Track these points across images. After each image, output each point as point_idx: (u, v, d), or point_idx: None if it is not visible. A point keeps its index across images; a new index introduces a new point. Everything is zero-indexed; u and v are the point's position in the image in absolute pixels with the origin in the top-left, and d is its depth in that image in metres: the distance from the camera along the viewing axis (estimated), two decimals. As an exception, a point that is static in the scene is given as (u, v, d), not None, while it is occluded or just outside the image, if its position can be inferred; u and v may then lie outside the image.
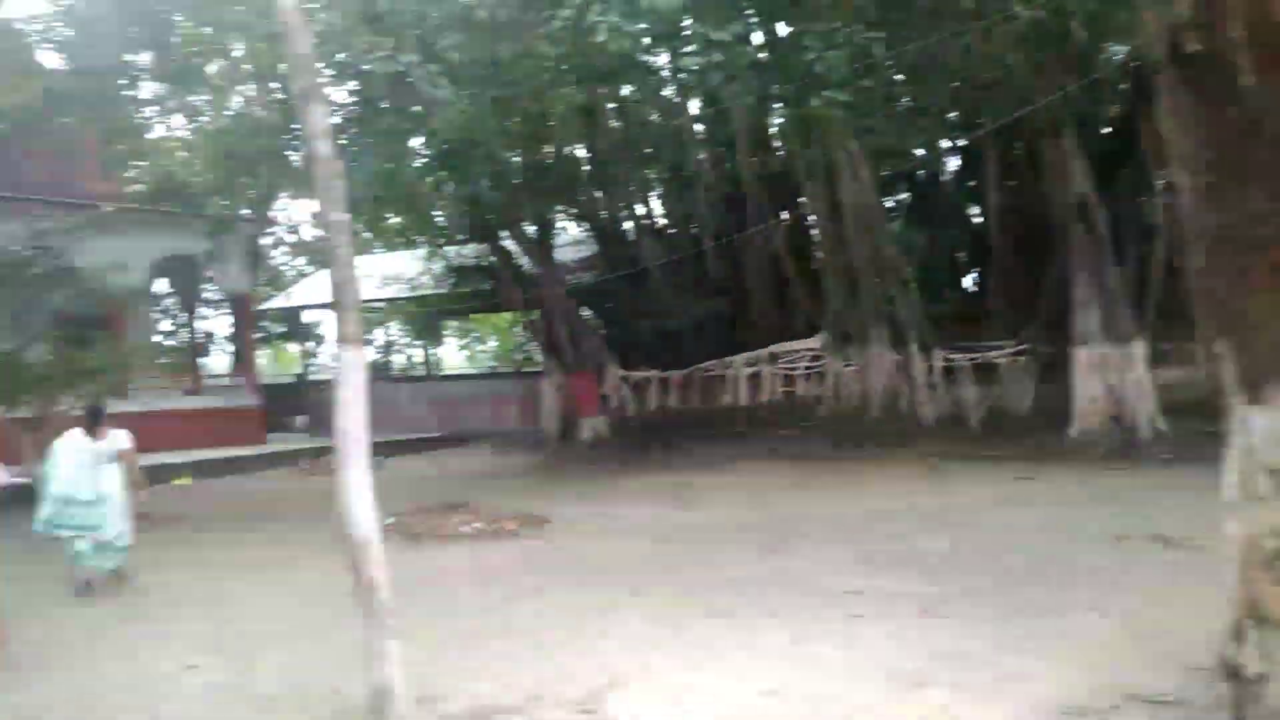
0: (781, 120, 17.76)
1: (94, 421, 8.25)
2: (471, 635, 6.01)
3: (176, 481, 16.15)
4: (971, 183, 19.07)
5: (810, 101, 11.08)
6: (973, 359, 15.97)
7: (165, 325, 29.17)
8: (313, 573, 7.96)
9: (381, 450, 19.36)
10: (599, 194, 19.91)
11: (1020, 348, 15.71)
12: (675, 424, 17.75)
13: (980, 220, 19.26)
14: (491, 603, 6.87)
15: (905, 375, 16.08)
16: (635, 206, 19.40)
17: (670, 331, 18.79)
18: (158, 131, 27.53)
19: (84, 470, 7.92)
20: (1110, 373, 13.88)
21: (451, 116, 12.13)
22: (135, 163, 27.32)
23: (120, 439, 8.24)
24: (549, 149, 17.11)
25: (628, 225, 20.45)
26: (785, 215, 17.74)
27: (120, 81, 13.92)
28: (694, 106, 19.08)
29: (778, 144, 19.25)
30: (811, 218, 17.98)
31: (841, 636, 5.62)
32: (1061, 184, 13.66)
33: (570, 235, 23.40)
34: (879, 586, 6.74)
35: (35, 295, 13.50)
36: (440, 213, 13.58)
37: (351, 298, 4.85)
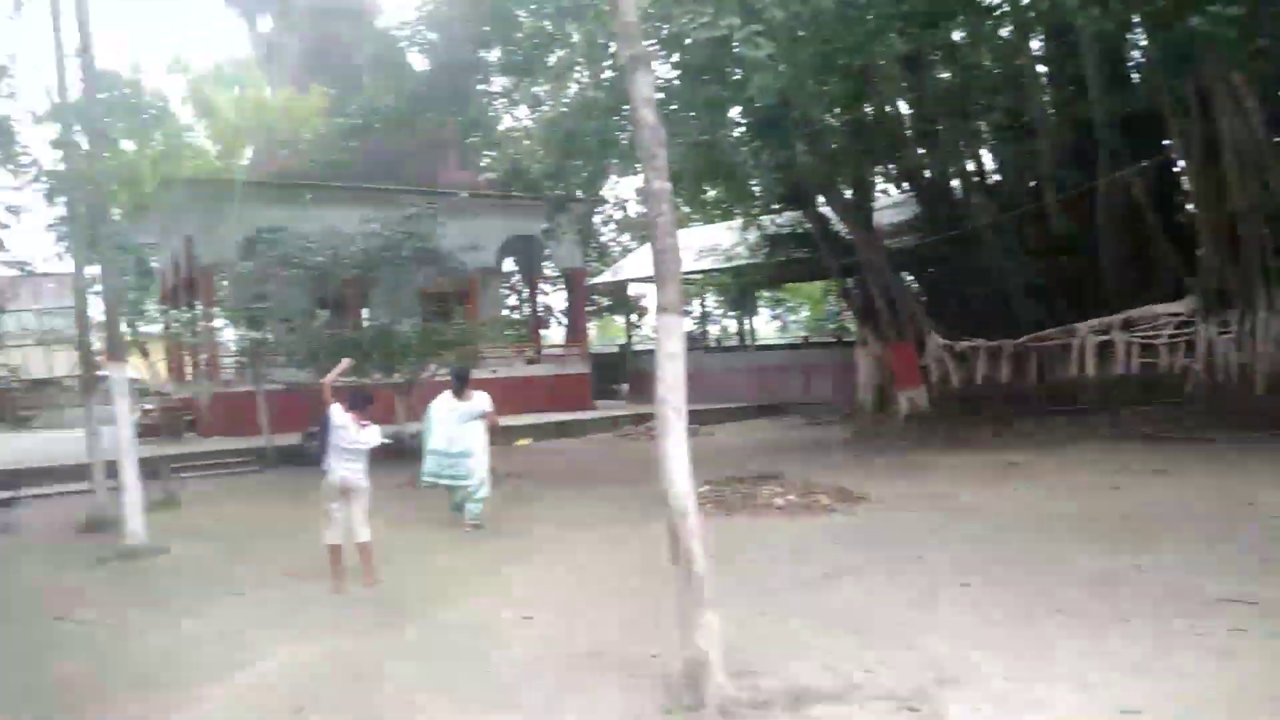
0: (1144, 48, 15.52)
1: (460, 384, 9.32)
2: (785, 611, 5.86)
3: (519, 442, 17.81)
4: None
5: (1191, 21, 9.43)
6: (1401, 324, 12.92)
7: (511, 300, 32.32)
8: (635, 534, 8.29)
9: (695, 419, 20.02)
10: (922, 151, 18.68)
11: None
12: (1005, 399, 16.31)
13: None
14: (805, 579, 6.67)
15: (1302, 343, 13.39)
16: (964, 162, 17.89)
17: (1001, 297, 17.23)
18: (506, 123, 30.40)
19: (453, 427, 9.05)
20: None
21: (768, 80, 11.95)
22: (487, 153, 30.44)
23: (483, 400, 9.24)
24: (869, 107, 16.33)
25: (954, 183, 18.97)
26: (1145, 162, 15.40)
27: (474, 78, 15.33)
28: (1035, 45, 17.28)
29: (1136, 78, 16.82)
30: (1180, 163, 15.48)
31: (1214, 653, 4.73)
32: None
33: (890, 197, 22.36)
34: (1269, 598, 5.59)
35: (405, 275, 15.40)
36: (756, 181, 13.44)
37: (672, 267, 4.86)
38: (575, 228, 16.11)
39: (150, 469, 12.29)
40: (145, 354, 24.22)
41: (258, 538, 9.46)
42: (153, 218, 20.81)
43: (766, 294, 36.35)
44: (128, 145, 17.47)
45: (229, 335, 16.78)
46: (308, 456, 11.71)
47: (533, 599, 6.45)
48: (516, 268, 29.29)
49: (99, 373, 10.99)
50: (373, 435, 7.17)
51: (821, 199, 18.46)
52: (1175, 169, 16.67)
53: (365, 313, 18.97)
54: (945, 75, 17.42)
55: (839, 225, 18.89)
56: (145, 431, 16.48)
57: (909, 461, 13.07)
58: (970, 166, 18.58)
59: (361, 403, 7.27)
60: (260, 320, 15.81)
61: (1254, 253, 13.51)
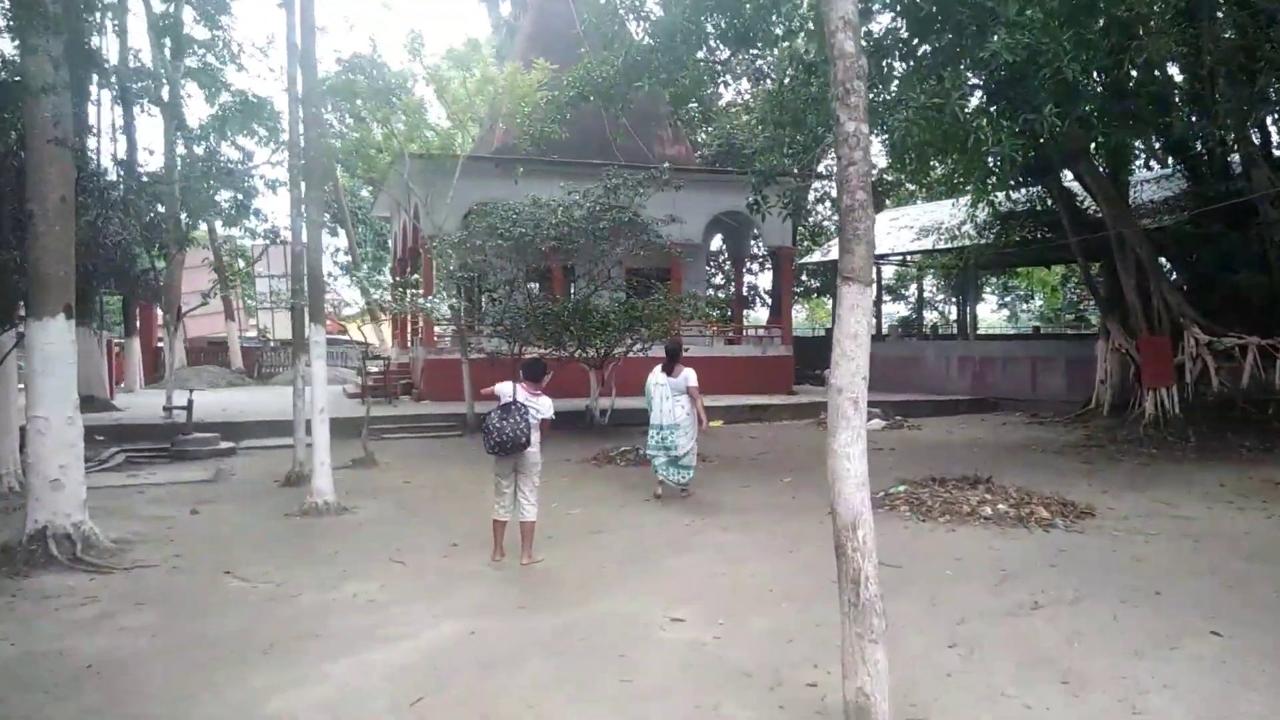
0: None
1: (671, 360, 9.67)
2: (978, 645, 4.97)
3: (712, 424, 17.31)
4: None
5: None
6: None
7: (718, 279, 31.85)
8: (815, 534, 7.57)
9: (902, 410, 18.73)
10: (1194, 118, 16.18)
11: None
12: (1276, 407, 13.84)
13: None
14: (1009, 607, 5.69)
15: None
16: (1246, 130, 15.24)
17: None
18: (726, 97, 29.87)
19: (665, 401, 9.49)
20: None
21: (1014, 34, 10.62)
22: (705, 128, 30.04)
23: (689, 376, 9.54)
24: (1134, 64, 14.23)
25: (1233, 156, 16.28)
26: None
27: (693, 48, 14.85)
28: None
29: None
30: None
31: None
32: None
33: (1150, 172, 19.73)
34: None
35: (606, 248, 15.26)
36: (994, 151, 11.97)
37: (861, 226, 4.07)
38: (784, 203, 15.21)
39: (357, 429, 13.01)
40: (376, 320, 25.99)
41: (440, 502, 9.59)
42: (387, 191, 22.10)
43: (994, 280, 33.63)
44: (374, 124, 18.66)
45: (444, 305, 17.44)
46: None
47: (690, 597, 5.93)
48: (724, 246, 28.72)
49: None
50: (545, 405, 6.91)
51: (1068, 173, 16.47)
52: None
53: (572, 288, 19.21)
54: (1227, 31, 14.94)
55: (1087, 201, 16.81)
56: (366, 393, 17.55)
57: (1151, 473, 11.33)
58: (1255, 137, 15.86)
59: (535, 372, 7.03)
60: (467, 290, 16.22)
61: None
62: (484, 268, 15.52)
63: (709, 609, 5.64)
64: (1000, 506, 8.34)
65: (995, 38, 11.25)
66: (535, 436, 6.80)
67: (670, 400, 9.50)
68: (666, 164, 16.60)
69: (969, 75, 12.59)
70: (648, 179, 15.04)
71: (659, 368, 9.77)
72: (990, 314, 40.46)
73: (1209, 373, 14.74)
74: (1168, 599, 5.81)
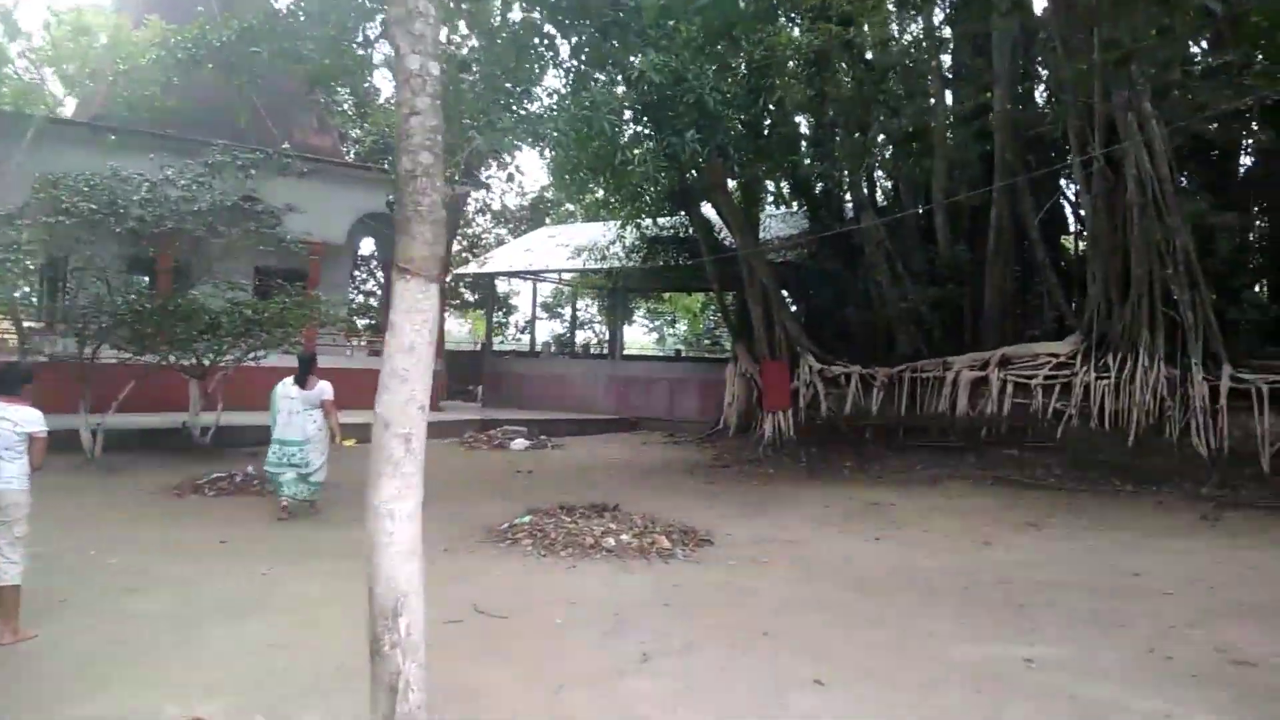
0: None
1: (304, 371, 9.15)
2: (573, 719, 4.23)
3: (345, 443, 15.65)
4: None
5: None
6: (1274, 382, 12.47)
7: (369, 285, 29.79)
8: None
9: (549, 429, 18.42)
10: (817, 162, 17.61)
11: (1347, 373, 12.07)
12: (873, 430, 15.31)
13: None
14: (614, 663, 5.06)
15: (1179, 396, 12.83)
16: (859, 178, 16.86)
17: (883, 322, 16.28)
18: (387, 91, 27.86)
19: (294, 415, 8.99)
20: None
21: (661, 55, 10.53)
22: (359, 122, 27.88)
23: (325, 389, 9.12)
24: (769, 105, 15.04)
25: (848, 198, 17.95)
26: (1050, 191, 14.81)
27: (347, 27, 13.24)
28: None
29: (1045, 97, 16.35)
30: (1078, 193, 14.87)
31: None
32: None
33: (779, 210, 21.32)
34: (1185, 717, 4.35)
35: (218, 240, 13.08)
36: (639, 172, 11.90)
37: (425, 201, 3.09)
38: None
39: None
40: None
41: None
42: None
43: (646, 304, 35.08)
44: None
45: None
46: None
47: (226, 685, 4.60)
48: (376, 250, 26.86)
49: None
50: (29, 418, 5.16)
51: (709, 205, 17.13)
52: (1072, 200, 16.20)
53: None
54: (847, 83, 16.44)
55: (724, 232, 17.60)
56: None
57: (768, 495, 11.74)
58: (865, 183, 17.60)
59: (10, 382, 5.26)
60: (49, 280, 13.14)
61: (1143, 296, 12.87)
62: (50, 249, 12.60)
63: (247, 703, 4.35)
64: (624, 537, 7.90)
65: (639, 57, 11.16)
66: (14, 468, 5.06)
67: (301, 415, 9.04)
68: (286, 145, 14.72)
69: (619, 91, 12.47)
70: (263, 161, 13.12)
71: (290, 379, 9.21)
72: (643, 336, 42.34)
73: (819, 398, 15.99)
74: (777, 640, 5.54)
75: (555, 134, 12.33)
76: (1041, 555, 8.31)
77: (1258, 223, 15.74)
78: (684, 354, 29.39)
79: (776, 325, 15.96)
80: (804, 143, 17.63)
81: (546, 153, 14.25)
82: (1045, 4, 14.89)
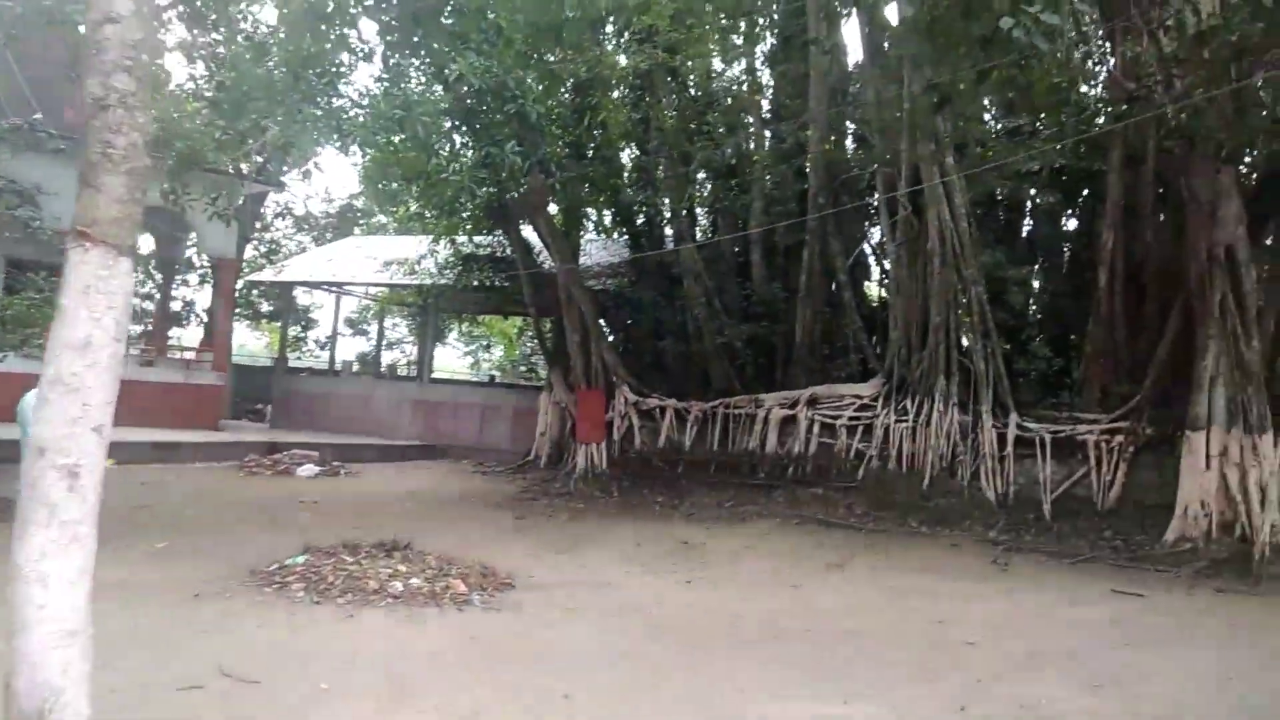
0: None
1: None
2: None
3: (106, 463, 13.70)
4: (1068, 218, 16.52)
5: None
6: (1055, 432, 13.32)
7: (145, 287, 26.88)
8: (146, 630, 5.43)
9: (346, 455, 17.06)
10: (640, 190, 17.43)
11: (1115, 424, 13.03)
12: (686, 465, 15.14)
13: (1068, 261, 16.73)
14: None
15: (970, 441, 13.44)
16: (680, 209, 16.79)
17: (698, 356, 16.21)
18: (180, 77, 25.43)
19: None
20: (1230, 468, 11.20)
21: (477, 63, 9.89)
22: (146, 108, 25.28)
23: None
24: (596, 129, 14.66)
25: (669, 230, 17.86)
26: (858, 235, 15.27)
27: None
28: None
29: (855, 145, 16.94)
30: (883, 240, 15.42)
31: None
32: (1207, 228, 11.04)
33: (600, 237, 21.03)
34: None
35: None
36: (453, 179, 11.11)
37: (119, 143, 2.28)
38: (212, 199, 12.58)
39: None
40: None
41: None
42: None
43: (461, 326, 33.85)
44: None
45: None
46: None
47: None
48: (156, 250, 24.27)
49: None
50: None
51: (528, 226, 16.51)
52: (879, 247, 16.82)
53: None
54: (671, 112, 16.40)
55: (544, 255, 17.02)
56: None
57: (578, 531, 11.17)
58: (686, 215, 17.59)
59: None
60: None
61: (940, 343, 13.41)
62: None
63: None
64: (415, 580, 7.06)
65: (459, 60, 10.49)
66: None
67: None
68: (38, 116, 12.85)
69: (438, 92, 11.71)
70: (9, 134, 11.30)
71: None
72: (458, 360, 40.88)
73: (634, 430, 15.66)
74: (575, 704, 4.93)
75: (363, 132, 11.44)
76: (848, 600, 8.19)
77: (1036, 282, 16.99)
78: (498, 379, 28.46)
79: (593, 354, 15.53)
80: (628, 170, 17.44)
81: (355, 153, 13.24)
82: (861, 53, 15.51)
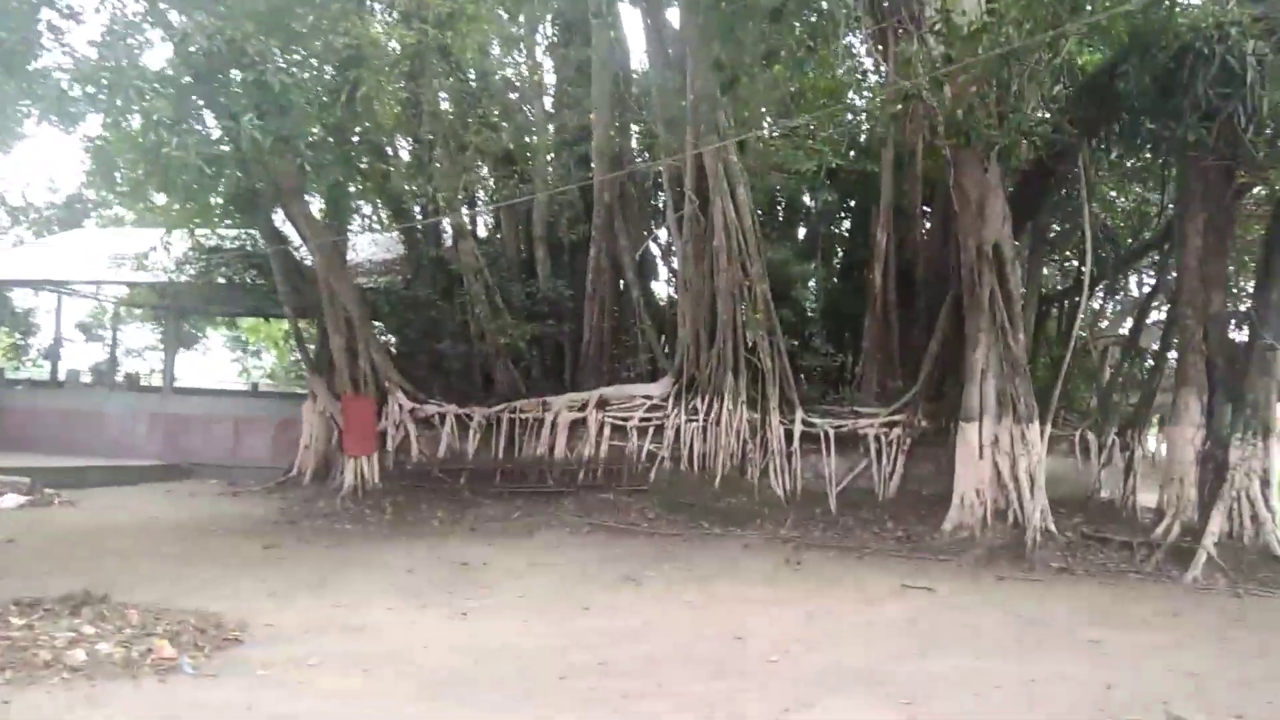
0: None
1: None
2: None
3: None
4: (844, 218, 16.89)
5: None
6: (838, 426, 13.41)
7: None
8: None
9: (66, 478, 14.47)
10: (410, 182, 16.02)
11: (893, 418, 13.30)
12: (470, 475, 14.01)
13: (844, 261, 17.15)
14: None
15: (759, 439, 13.27)
16: (458, 200, 15.52)
17: (481, 359, 15.10)
18: None
19: None
20: (1001, 457, 11.61)
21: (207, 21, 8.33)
22: None
23: None
24: (355, 101, 13.14)
25: (448, 225, 16.53)
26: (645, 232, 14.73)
27: None
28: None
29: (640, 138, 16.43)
30: (670, 239, 14.99)
31: None
32: (976, 226, 11.35)
33: (374, 233, 19.36)
34: None
35: None
36: (176, 154, 9.35)
37: None
38: None
39: None
40: None
41: None
42: None
43: (223, 331, 30.57)
44: None
45: None
46: None
47: None
48: None
49: None
50: None
51: (281, 211, 14.65)
52: (668, 244, 16.43)
53: None
54: (445, 98, 15.17)
55: (304, 251, 15.22)
56: None
57: (341, 559, 9.79)
58: (466, 209, 16.38)
59: None
60: None
61: (728, 341, 13.12)
62: None
63: None
64: (104, 646, 5.55)
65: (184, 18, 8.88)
66: None
67: None
68: None
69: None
70: None
71: None
72: (226, 367, 37.00)
73: (410, 440, 14.32)
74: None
75: (66, 101, 9.57)
76: (643, 618, 7.47)
77: (813, 282, 17.27)
78: (261, 389, 25.74)
79: (362, 358, 14.01)
80: (404, 158, 16.03)
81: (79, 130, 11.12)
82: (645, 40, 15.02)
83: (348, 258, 17.13)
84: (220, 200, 13.68)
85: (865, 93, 16.00)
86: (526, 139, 16.32)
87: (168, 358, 20.17)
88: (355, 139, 13.89)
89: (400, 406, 14.14)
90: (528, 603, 7.89)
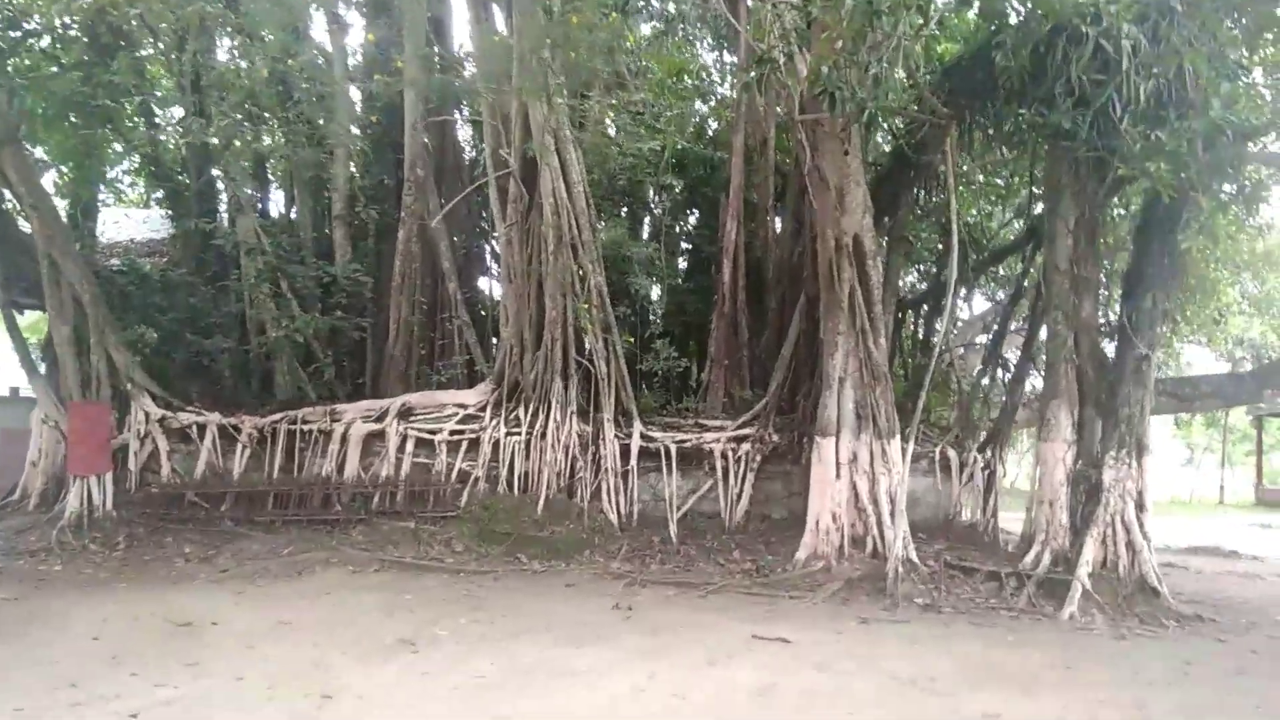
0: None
1: None
2: None
3: None
4: (690, 212, 15.33)
5: None
6: (681, 441, 11.74)
7: None
8: None
9: None
10: (179, 146, 13.25)
11: (742, 431, 11.76)
12: (236, 500, 11.42)
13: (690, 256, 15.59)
14: None
15: (591, 455, 11.42)
16: (237, 166, 12.86)
17: (258, 357, 12.54)
18: None
19: None
20: (860, 477, 10.24)
21: None
22: None
23: None
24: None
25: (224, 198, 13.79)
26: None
27: None
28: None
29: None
30: (495, 227, 12.87)
31: None
32: (835, 216, 9.93)
33: (146, 214, 16.28)
34: None
35: None
36: None
37: None
38: None
39: None
40: None
41: None
42: None
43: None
44: None
45: None
46: None
47: None
48: None
49: None
50: None
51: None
52: (489, 229, 14.36)
53: None
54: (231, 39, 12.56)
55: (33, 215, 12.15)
56: None
57: (8, 619, 7.12)
58: (251, 179, 13.69)
59: None
60: None
61: (557, 340, 11.21)
62: None
63: None
64: None
65: None
66: None
67: None
68: None
69: None
70: None
71: None
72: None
73: (160, 456, 11.55)
74: None
75: None
76: (401, 714, 5.37)
77: (657, 289, 15.63)
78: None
79: (94, 353, 11.15)
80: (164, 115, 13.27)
81: None
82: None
83: (111, 239, 14.20)
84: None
85: (713, 71, 14.59)
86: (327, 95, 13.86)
87: None
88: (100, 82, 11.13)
89: (147, 414, 11.36)
90: (239, 691, 5.58)
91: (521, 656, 6.60)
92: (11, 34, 9.79)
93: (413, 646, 6.76)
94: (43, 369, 12.24)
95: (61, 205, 12.41)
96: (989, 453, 11.90)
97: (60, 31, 10.41)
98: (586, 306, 11.01)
